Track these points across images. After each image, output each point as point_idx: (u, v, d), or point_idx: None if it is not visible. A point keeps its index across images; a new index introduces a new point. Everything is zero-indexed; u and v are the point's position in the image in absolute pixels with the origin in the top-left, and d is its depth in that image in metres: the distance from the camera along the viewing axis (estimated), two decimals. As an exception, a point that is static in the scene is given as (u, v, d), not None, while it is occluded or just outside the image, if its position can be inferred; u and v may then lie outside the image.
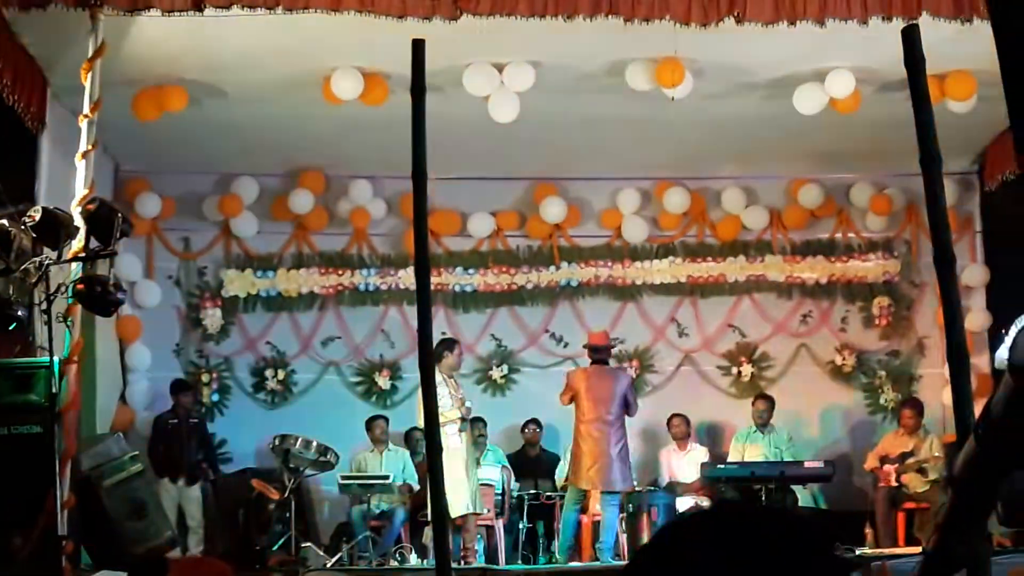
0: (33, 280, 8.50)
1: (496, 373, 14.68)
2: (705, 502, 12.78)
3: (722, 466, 13.16)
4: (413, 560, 12.03)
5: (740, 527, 1.54)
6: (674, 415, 13.99)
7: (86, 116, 9.33)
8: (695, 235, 14.98)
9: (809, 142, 13.21)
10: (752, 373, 14.74)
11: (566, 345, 14.68)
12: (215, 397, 14.42)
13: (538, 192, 14.70)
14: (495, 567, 11.62)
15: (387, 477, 12.87)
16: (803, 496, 13.38)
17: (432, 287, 5.46)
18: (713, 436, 14.36)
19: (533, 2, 9.73)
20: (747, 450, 13.62)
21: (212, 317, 14.52)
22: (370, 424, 13.58)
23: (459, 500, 11.23)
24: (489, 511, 12.44)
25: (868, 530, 12.61)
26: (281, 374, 14.49)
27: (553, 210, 14.62)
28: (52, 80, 10.86)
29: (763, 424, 13.77)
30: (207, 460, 13.45)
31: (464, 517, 11.55)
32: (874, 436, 14.07)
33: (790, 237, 14.93)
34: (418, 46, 4.67)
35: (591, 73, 11.39)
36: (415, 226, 4.83)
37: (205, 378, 14.38)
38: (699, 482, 13.21)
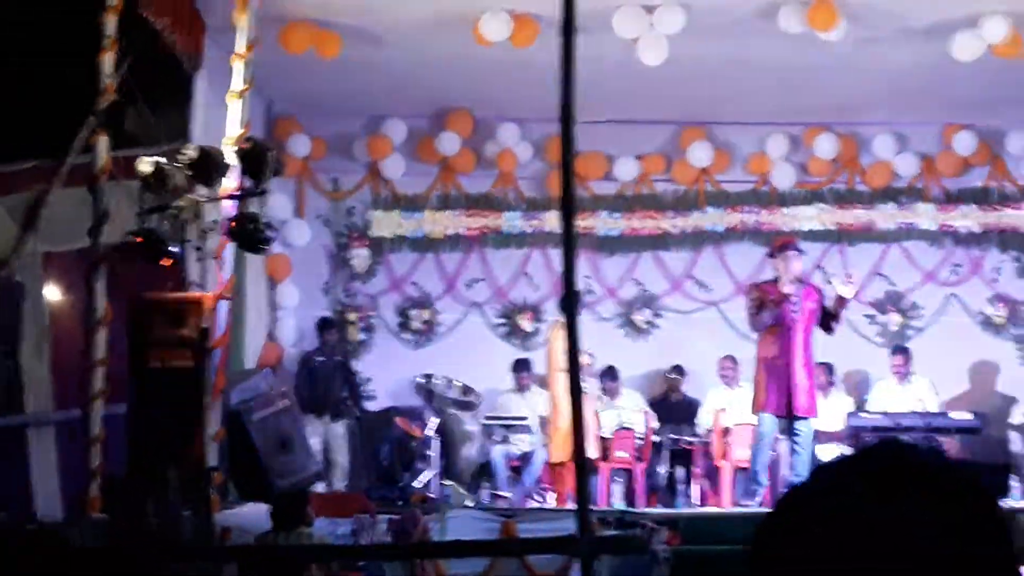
0: (187, 217, 8.69)
1: (638, 317, 14.66)
2: (847, 451, 12.63)
3: (866, 415, 12.99)
4: (552, 501, 12.12)
5: (905, 473, 1.47)
6: (818, 363, 13.83)
7: (240, 56, 9.43)
8: (844, 181, 14.77)
9: (963, 88, 12.88)
10: (900, 322, 14.53)
11: (709, 291, 14.61)
12: (361, 336, 14.61)
13: (685, 136, 14.57)
14: (633, 510, 11.63)
15: (526, 418, 12.94)
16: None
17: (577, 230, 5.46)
18: (858, 385, 14.17)
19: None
20: (890, 400, 13.42)
21: (360, 257, 14.69)
22: (515, 366, 13.67)
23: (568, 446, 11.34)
24: (629, 455, 12.48)
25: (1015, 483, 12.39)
26: (426, 314, 14.63)
27: (700, 154, 14.51)
28: (208, 20, 11.01)
29: (902, 376, 13.56)
30: (352, 398, 13.65)
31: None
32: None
33: (942, 184, 14.65)
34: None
35: (742, 16, 11.23)
36: (562, 168, 4.82)
37: (351, 317, 14.57)
38: (843, 431, 13.06)
